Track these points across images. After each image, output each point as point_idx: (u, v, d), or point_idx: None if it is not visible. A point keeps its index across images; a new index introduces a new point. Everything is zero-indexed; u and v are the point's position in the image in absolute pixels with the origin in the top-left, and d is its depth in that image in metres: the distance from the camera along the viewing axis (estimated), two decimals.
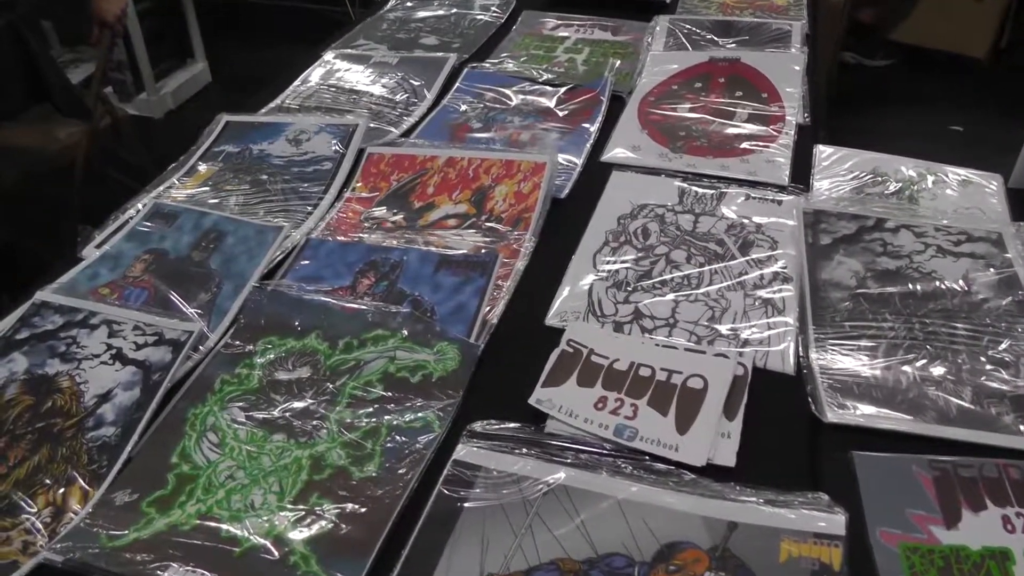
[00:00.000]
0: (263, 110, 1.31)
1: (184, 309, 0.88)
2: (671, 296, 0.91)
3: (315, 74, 1.40)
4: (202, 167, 1.15)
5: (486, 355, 0.83)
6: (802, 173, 1.13)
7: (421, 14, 1.64)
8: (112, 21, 2.14)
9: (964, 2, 3.62)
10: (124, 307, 0.88)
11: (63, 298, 0.90)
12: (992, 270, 0.95)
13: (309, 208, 1.05)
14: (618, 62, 1.39)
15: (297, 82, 1.38)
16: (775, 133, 1.19)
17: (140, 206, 1.06)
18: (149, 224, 1.02)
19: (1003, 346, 0.86)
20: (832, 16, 1.82)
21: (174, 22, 3.49)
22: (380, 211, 1.04)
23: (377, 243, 0.97)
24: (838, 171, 1.14)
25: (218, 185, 1.11)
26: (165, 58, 3.42)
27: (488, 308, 0.87)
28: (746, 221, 1.02)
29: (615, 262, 0.96)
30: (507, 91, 1.30)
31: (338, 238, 0.99)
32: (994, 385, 0.81)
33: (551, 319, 0.89)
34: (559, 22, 1.57)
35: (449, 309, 0.87)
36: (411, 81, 1.35)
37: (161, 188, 1.11)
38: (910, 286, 0.93)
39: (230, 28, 4.08)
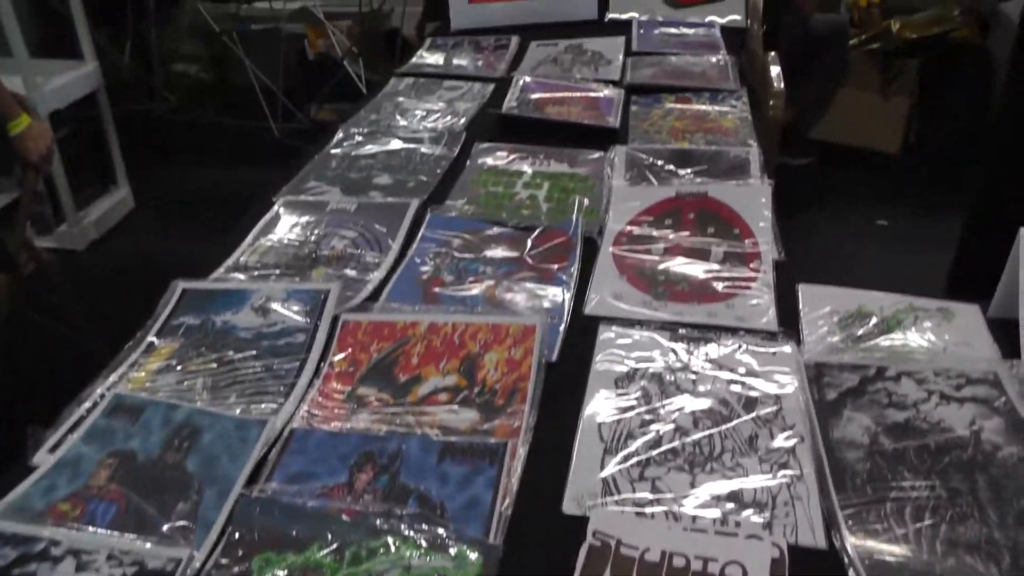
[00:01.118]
0: (220, 269, 1.23)
1: (163, 526, 0.79)
2: (686, 467, 0.87)
3: (270, 226, 1.33)
4: (161, 344, 1.07)
5: (505, 553, 0.77)
6: (788, 314, 1.11)
7: (370, 149, 1.60)
8: (38, 161, 2.06)
9: (873, 100, 3.77)
10: (91, 528, 0.78)
11: (14, 524, 0.80)
12: (997, 416, 0.93)
13: (283, 388, 0.97)
14: (586, 200, 1.36)
15: (251, 237, 1.31)
16: (754, 272, 1.18)
17: (97, 397, 0.97)
18: (110, 420, 0.93)
19: None
20: (771, 130, 1.84)
21: (95, 147, 3.40)
22: (364, 389, 0.98)
23: (369, 429, 0.91)
24: (823, 311, 1.12)
25: (181, 365, 1.03)
26: (86, 185, 3.32)
27: (503, 500, 0.81)
28: (745, 376, 0.99)
29: (622, 434, 0.91)
30: (474, 238, 1.26)
31: (325, 426, 0.92)
32: None
33: (568, 506, 0.82)
34: (513, 155, 1.54)
35: (461, 504, 0.80)
36: (373, 229, 1.29)
37: (116, 375, 1.02)
38: (922, 439, 0.90)
39: (152, 149, 4.00)
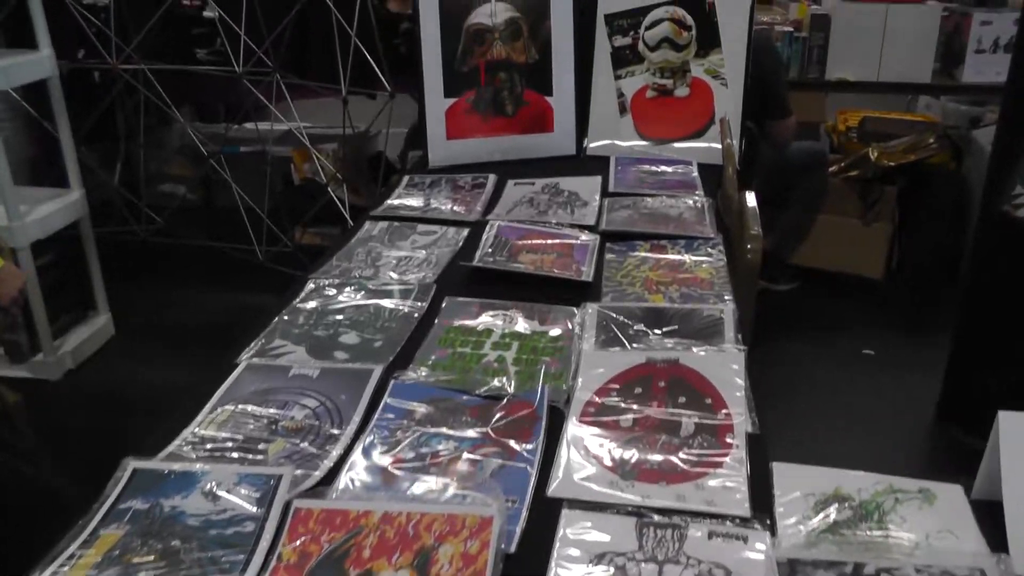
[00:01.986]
0: (177, 440, 1.19)
1: None
2: None
3: (231, 392, 1.30)
4: (105, 532, 1.02)
5: None
6: (761, 495, 1.07)
7: (338, 302, 1.58)
8: (7, 304, 2.03)
9: (854, 226, 3.81)
10: None
11: None
12: None
13: None
14: (552, 368, 1.33)
15: (210, 405, 1.27)
16: (726, 448, 1.14)
17: None
18: None
19: None
20: (748, 275, 1.83)
21: (76, 273, 3.38)
22: None
23: None
24: (798, 494, 1.08)
25: (124, 556, 0.97)
26: (65, 312, 3.29)
27: None
28: (715, 568, 0.94)
29: None
30: (437, 410, 1.22)
31: None
32: None
33: None
34: (483, 311, 1.52)
35: None
36: (335, 399, 1.26)
37: (54, 568, 0.97)
38: None
39: (135, 273, 3.99)
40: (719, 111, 2.39)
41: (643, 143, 2.43)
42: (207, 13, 4.00)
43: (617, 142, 2.44)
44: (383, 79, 3.41)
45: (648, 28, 2.44)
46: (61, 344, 3.19)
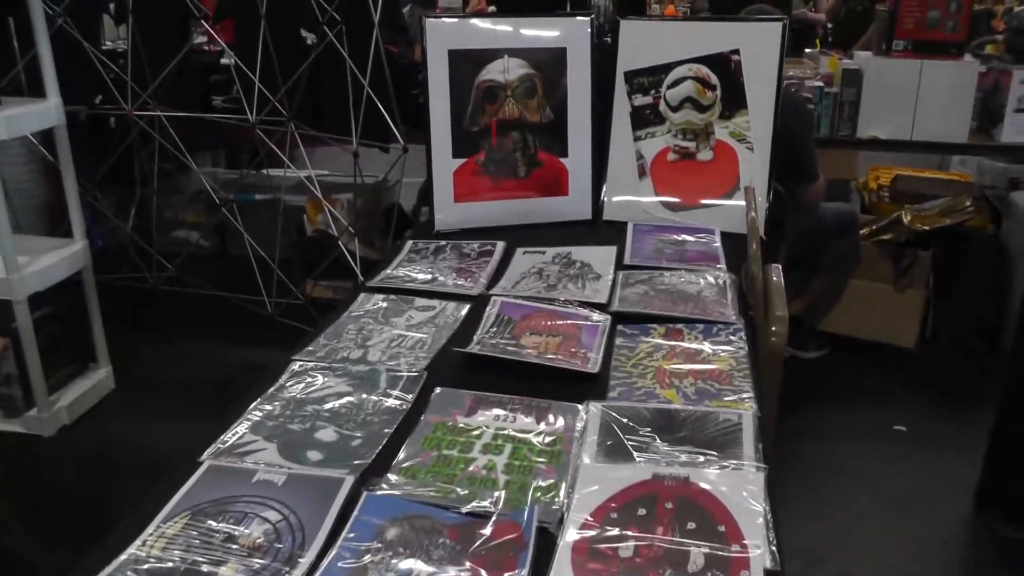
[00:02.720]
0: (123, 555, 1.05)
1: None
2: None
3: (188, 499, 1.16)
4: None
5: None
6: None
7: (320, 391, 1.44)
8: None
9: (887, 293, 3.66)
10: None
11: None
12: None
13: None
14: (546, 478, 1.18)
15: (161, 517, 1.13)
16: None
17: None
18: None
19: None
20: (773, 361, 1.68)
21: (76, 325, 3.29)
22: None
23: None
24: None
25: None
26: (63, 366, 3.19)
27: None
28: None
29: None
30: (410, 531, 1.08)
31: None
32: None
33: None
34: (476, 405, 1.38)
35: None
36: (299, 513, 1.12)
37: None
38: None
39: (141, 323, 3.91)
40: (744, 177, 2.25)
41: (662, 206, 2.29)
42: (224, 60, 3.95)
43: (636, 203, 2.30)
44: (396, 132, 3.31)
45: (670, 87, 2.32)
46: (58, 399, 3.08)
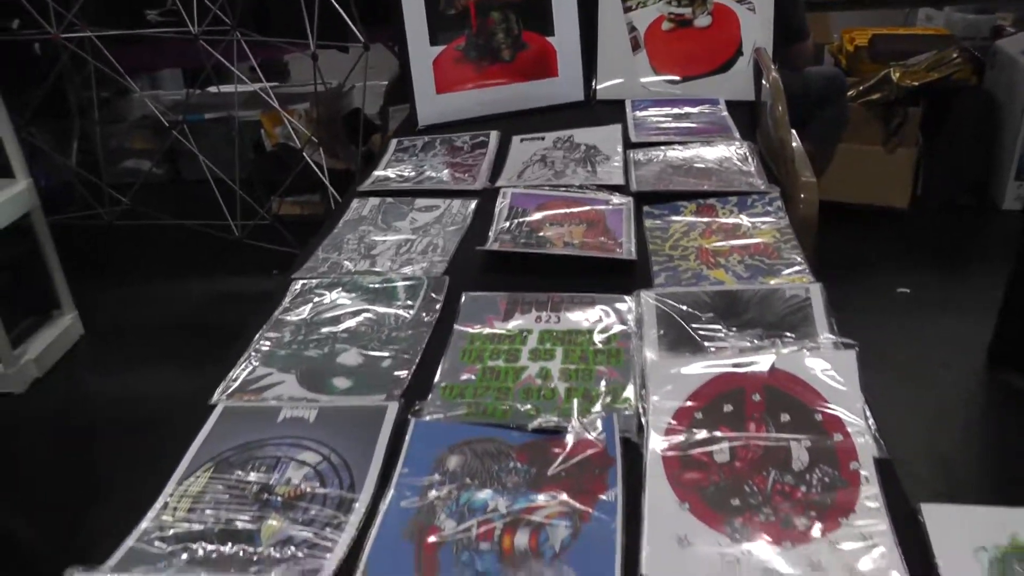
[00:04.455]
0: (134, 535, 0.90)
1: None
2: None
3: (204, 452, 1.00)
4: None
5: None
6: (915, 553, 0.79)
7: (332, 310, 1.28)
8: None
9: (877, 154, 3.54)
10: None
11: None
12: None
13: None
14: (610, 380, 1.05)
15: (178, 475, 0.98)
16: (854, 484, 0.86)
17: None
18: None
19: None
20: (805, 231, 1.55)
21: (33, 272, 3.07)
22: None
23: None
24: (967, 550, 0.81)
25: None
26: (24, 316, 2.98)
27: None
28: None
29: None
30: (474, 458, 0.94)
31: None
32: None
33: None
34: (511, 307, 1.23)
35: None
36: (340, 450, 0.97)
37: None
38: None
39: (103, 264, 3.69)
40: (747, 41, 2.08)
41: (660, 80, 2.12)
42: None
43: (632, 79, 2.12)
44: (355, 30, 3.07)
45: None
46: (24, 351, 2.88)
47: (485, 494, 0.89)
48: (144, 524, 0.91)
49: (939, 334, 2.91)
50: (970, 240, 3.52)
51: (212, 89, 3.88)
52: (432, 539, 0.85)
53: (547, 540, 0.83)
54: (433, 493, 0.90)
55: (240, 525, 0.89)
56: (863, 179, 3.58)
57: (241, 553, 0.85)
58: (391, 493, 0.91)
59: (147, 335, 3.15)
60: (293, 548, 0.85)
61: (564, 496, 0.88)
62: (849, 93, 3.53)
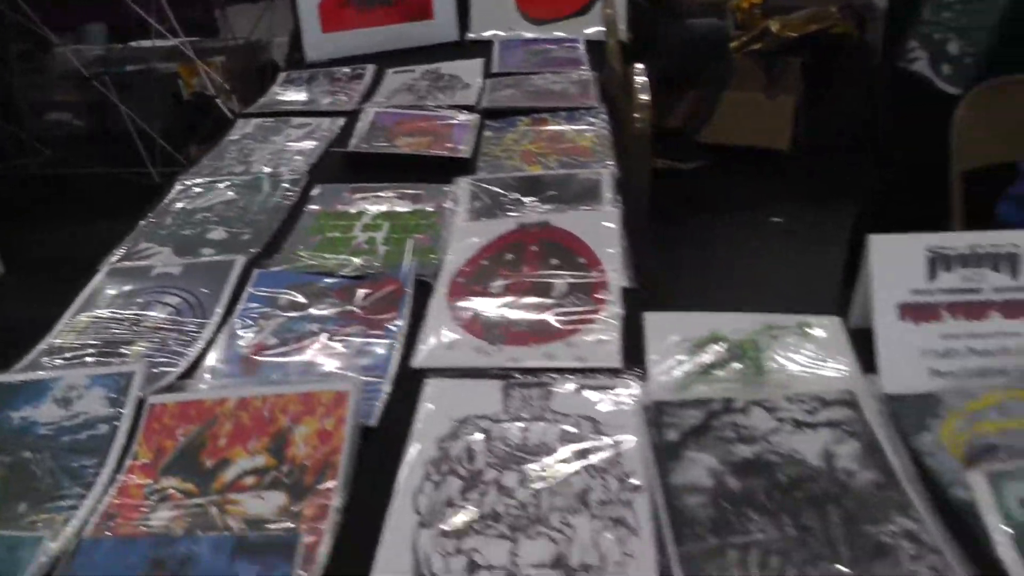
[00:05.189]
0: (32, 353, 1.13)
1: None
2: (507, 533, 0.79)
3: (92, 300, 1.23)
4: None
5: None
6: (635, 347, 1.04)
7: (207, 201, 1.50)
8: None
9: (759, 100, 3.79)
10: None
11: None
12: (853, 440, 0.88)
13: (80, 490, 0.88)
14: (418, 236, 1.29)
15: (68, 314, 1.20)
16: (599, 303, 1.11)
17: None
18: None
19: (879, 527, 0.78)
20: (640, 144, 1.80)
21: None
22: (167, 480, 0.89)
23: (169, 529, 0.82)
24: (672, 340, 1.05)
25: None
26: None
27: None
28: (582, 421, 0.92)
29: (439, 503, 0.83)
30: (300, 294, 1.17)
31: (121, 531, 0.83)
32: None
33: None
34: (355, 195, 1.46)
35: None
36: (198, 293, 1.20)
37: None
38: (772, 475, 0.84)
39: (25, 210, 3.82)
40: None
41: (525, 21, 2.35)
42: None
43: (500, 18, 2.35)
44: None
45: None
46: None
47: (304, 321, 1.13)
48: (41, 346, 1.13)
49: (805, 257, 3.20)
50: (841, 180, 3.81)
51: (134, 44, 4.02)
52: (257, 352, 1.08)
53: (347, 348, 1.07)
54: (263, 321, 1.14)
55: (119, 349, 1.12)
56: (748, 123, 3.85)
57: (113, 361, 1.08)
58: (233, 320, 1.14)
59: (67, 270, 3.30)
60: (155, 358, 1.08)
61: (365, 318, 1.12)
62: (733, 44, 3.79)
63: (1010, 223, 1.78)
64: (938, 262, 1.05)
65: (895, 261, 1.06)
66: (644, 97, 1.96)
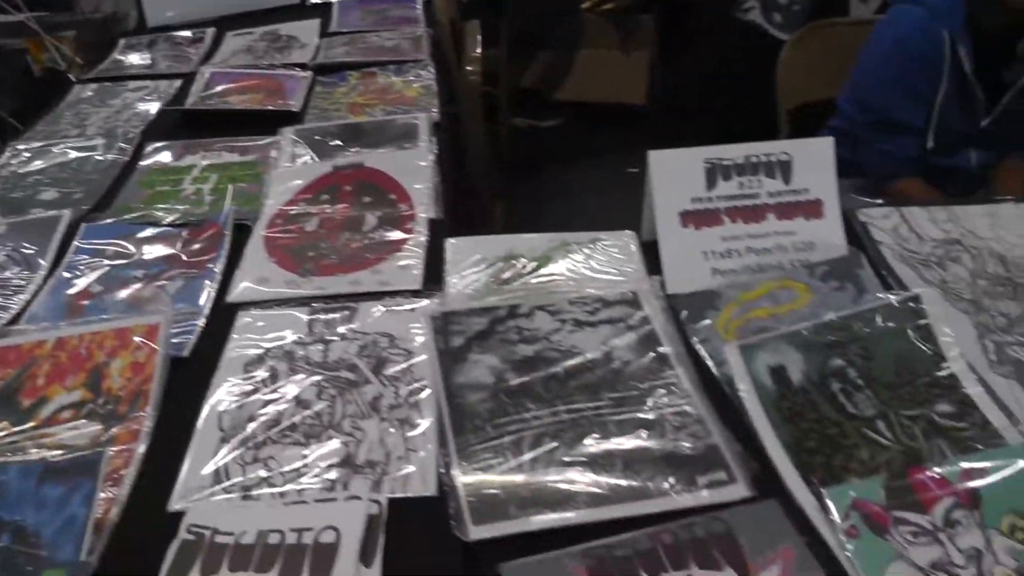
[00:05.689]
0: None
1: None
2: (302, 440, 0.88)
3: None
4: None
5: (109, 566, 0.76)
6: (438, 271, 1.13)
7: (38, 164, 1.53)
8: None
9: (615, 57, 3.90)
10: None
11: None
12: (631, 332, 0.99)
13: None
14: (242, 185, 1.36)
15: None
16: (406, 235, 1.20)
17: None
18: None
19: (648, 405, 0.89)
20: (471, 94, 1.89)
21: None
22: None
23: None
24: (471, 261, 1.14)
25: None
26: None
27: (102, 512, 0.80)
28: (380, 337, 1.01)
29: (242, 420, 0.91)
30: (127, 243, 1.23)
31: None
32: (643, 447, 0.84)
33: (174, 503, 0.82)
34: (186, 151, 1.51)
35: (57, 527, 0.79)
36: (22, 250, 1.24)
37: None
38: (552, 369, 0.94)
39: None
40: None
41: None
42: None
43: None
44: None
45: None
46: None
47: (129, 268, 1.19)
48: None
49: None
50: (696, 130, 3.97)
51: None
52: (81, 298, 1.13)
53: (166, 290, 1.13)
54: (91, 270, 1.19)
55: None
56: (604, 79, 3.97)
57: None
58: (60, 272, 1.19)
59: None
60: None
61: (187, 262, 1.18)
62: (585, 4, 3.90)
63: None
64: (717, 171, 1.17)
65: (674, 173, 1.17)
66: (476, 52, 2.05)
